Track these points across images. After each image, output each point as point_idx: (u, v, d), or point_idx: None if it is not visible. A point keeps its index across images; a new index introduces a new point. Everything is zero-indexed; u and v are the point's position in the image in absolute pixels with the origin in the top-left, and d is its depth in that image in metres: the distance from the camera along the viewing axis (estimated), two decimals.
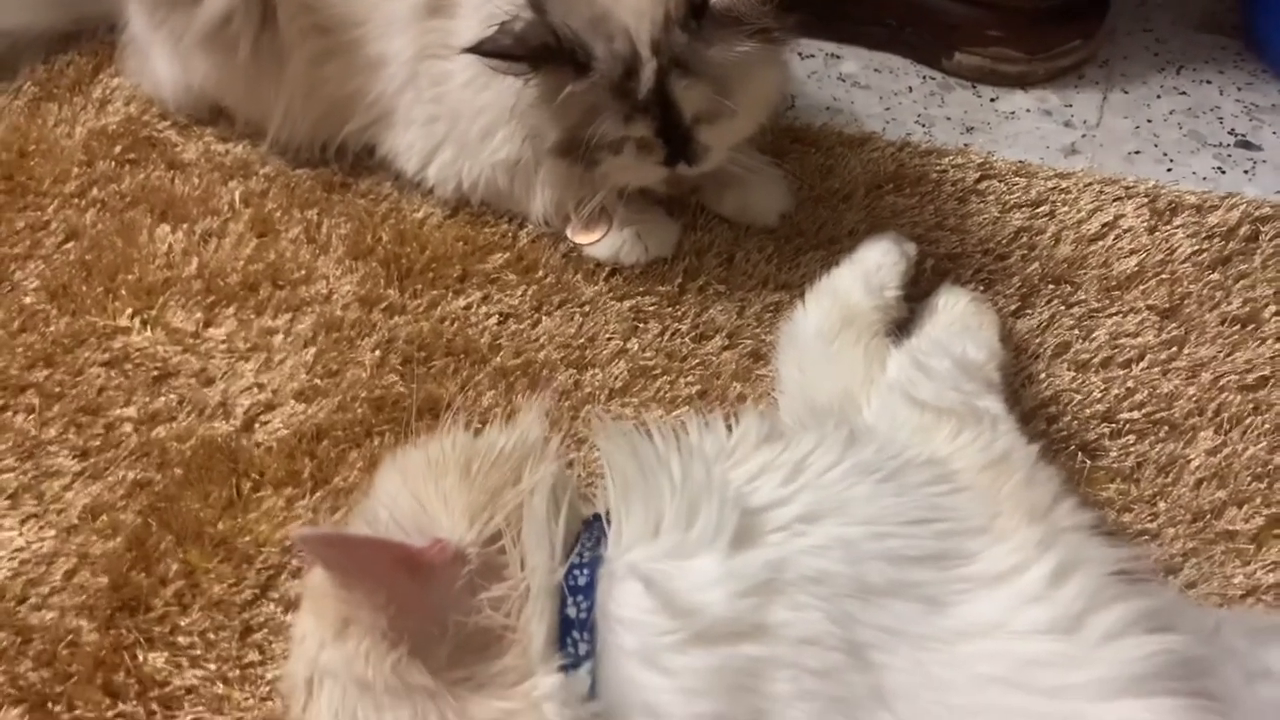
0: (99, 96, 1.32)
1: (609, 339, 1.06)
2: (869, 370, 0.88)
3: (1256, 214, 1.13)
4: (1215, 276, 1.08)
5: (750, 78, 0.98)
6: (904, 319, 0.99)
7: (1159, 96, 1.30)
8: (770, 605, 0.64)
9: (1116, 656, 0.62)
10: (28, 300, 1.11)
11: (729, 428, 0.74)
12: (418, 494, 0.70)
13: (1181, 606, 0.73)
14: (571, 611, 0.67)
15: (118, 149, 1.25)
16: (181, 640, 0.88)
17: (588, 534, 0.72)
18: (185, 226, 1.17)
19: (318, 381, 1.04)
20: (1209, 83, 1.31)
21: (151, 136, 1.27)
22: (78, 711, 0.85)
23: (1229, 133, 1.25)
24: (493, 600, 0.66)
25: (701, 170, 1.03)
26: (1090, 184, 1.17)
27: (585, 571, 0.68)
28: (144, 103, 1.30)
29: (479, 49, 0.94)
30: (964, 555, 0.67)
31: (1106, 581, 0.66)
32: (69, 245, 1.16)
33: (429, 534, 0.67)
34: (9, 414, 1.02)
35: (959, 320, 0.97)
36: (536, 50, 0.94)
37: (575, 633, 0.66)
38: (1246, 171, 1.21)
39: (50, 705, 0.85)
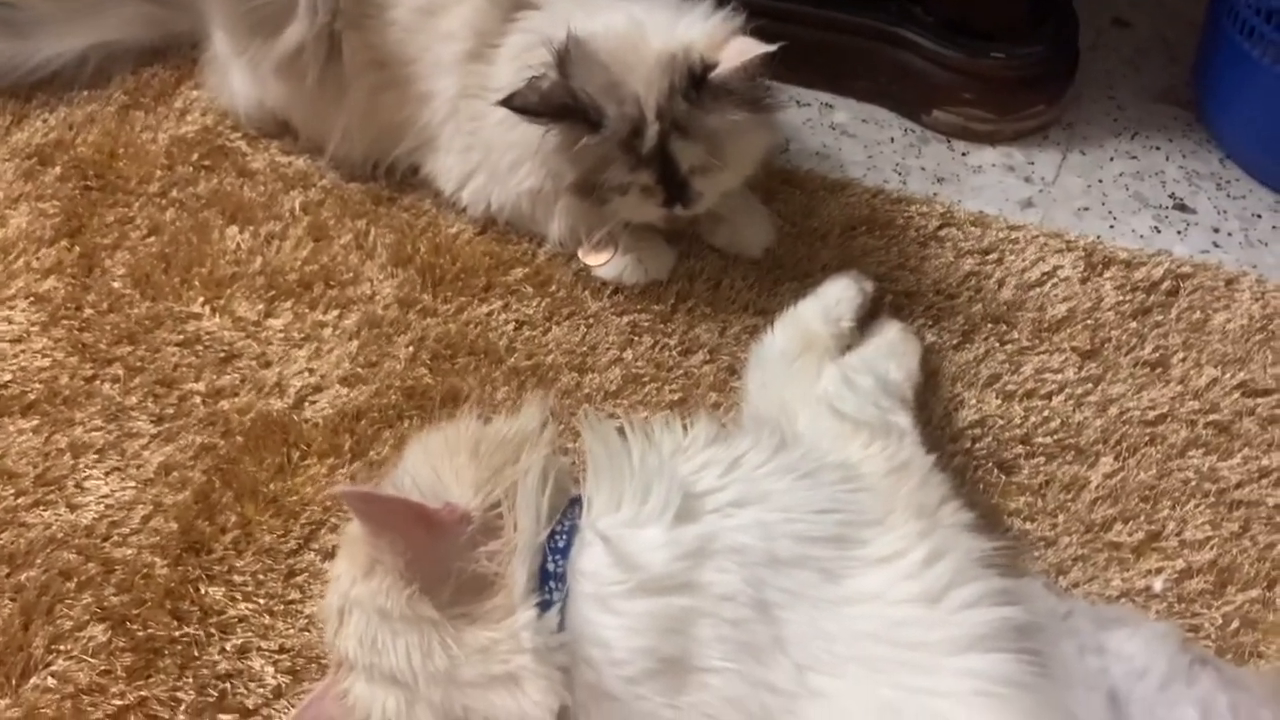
0: (180, 106, 1.50)
1: (608, 348, 1.23)
2: (815, 388, 1.05)
3: (1179, 271, 1.27)
4: (1134, 325, 1.22)
5: (740, 140, 1.15)
6: (857, 344, 1.15)
7: (1112, 159, 1.44)
8: (700, 568, 0.80)
9: (966, 620, 0.79)
10: (116, 285, 1.30)
11: (685, 428, 0.91)
12: (436, 467, 0.88)
13: (1040, 592, 0.89)
14: (550, 566, 0.84)
15: (195, 155, 1.44)
16: (236, 578, 1.06)
17: (572, 508, 0.89)
18: (251, 229, 1.35)
19: (359, 370, 1.21)
20: (1158, 149, 1.44)
21: (224, 146, 1.45)
22: (150, 630, 1.03)
23: (1169, 196, 1.39)
24: (488, 553, 0.83)
25: (694, 213, 1.20)
26: (1037, 236, 1.31)
27: (564, 536, 0.86)
28: (219, 114, 1.48)
29: (509, 103, 1.11)
30: (858, 540, 0.83)
31: (969, 565, 0.83)
32: (151, 239, 1.35)
33: (442, 498, 0.85)
34: (98, 382, 1.21)
35: (888, 345, 1.13)
36: (558, 108, 1.10)
37: (551, 582, 0.83)
38: (1179, 232, 1.35)
39: (128, 624, 1.04)
